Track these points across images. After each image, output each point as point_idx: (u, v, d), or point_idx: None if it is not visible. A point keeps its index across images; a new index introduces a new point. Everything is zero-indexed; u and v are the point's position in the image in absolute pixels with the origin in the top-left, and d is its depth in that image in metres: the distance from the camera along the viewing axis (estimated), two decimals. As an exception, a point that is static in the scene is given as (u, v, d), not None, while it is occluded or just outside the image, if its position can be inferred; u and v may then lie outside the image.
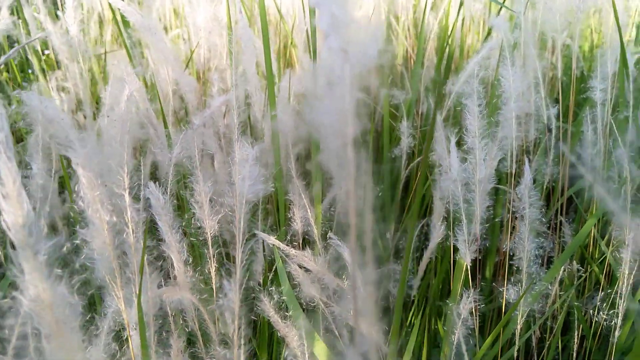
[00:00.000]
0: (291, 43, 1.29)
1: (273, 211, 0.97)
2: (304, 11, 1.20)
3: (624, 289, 0.70)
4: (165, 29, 1.90)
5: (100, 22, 1.99)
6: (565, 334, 1.00)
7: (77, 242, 0.42)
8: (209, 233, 0.58)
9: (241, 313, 0.51)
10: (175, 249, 0.60)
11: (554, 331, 0.90)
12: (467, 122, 0.67)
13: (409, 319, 1.05)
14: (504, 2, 1.08)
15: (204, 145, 0.95)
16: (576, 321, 0.91)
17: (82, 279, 0.43)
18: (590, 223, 0.75)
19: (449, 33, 1.10)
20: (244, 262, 0.51)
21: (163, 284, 0.57)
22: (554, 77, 1.29)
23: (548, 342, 0.91)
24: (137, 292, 0.41)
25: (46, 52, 2.06)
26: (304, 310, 0.62)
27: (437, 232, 0.92)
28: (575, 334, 0.91)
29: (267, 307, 0.54)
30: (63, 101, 1.38)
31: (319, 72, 0.26)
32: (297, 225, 0.76)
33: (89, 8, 1.97)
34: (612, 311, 0.74)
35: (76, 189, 0.41)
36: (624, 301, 0.71)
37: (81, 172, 0.41)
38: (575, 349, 0.91)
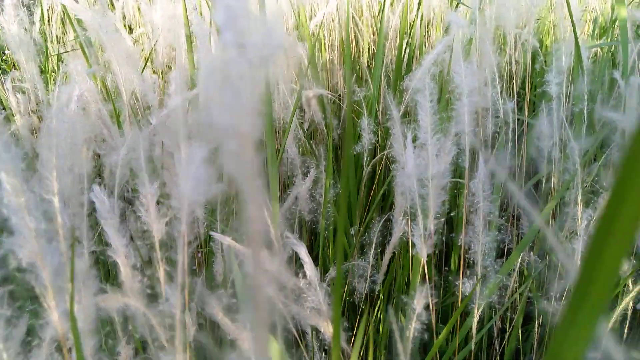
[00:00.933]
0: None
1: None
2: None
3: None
4: (130, 27, 1.86)
5: (63, 22, 1.93)
6: (529, 324, 1.01)
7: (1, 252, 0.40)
8: (156, 237, 0.56)
9: (183, 317, 0.50)
10: (122, 254, 0.58)
11: (513, 322, 0.91)
12: (419, 117, 0.67)
13: (376, 314, 1.06)
14: (462, -3, 1.09)
15: (164, 146, 0.93)
16: (536, 311, 0.92)
17: (9, 290, 0.41)
18: (544, 214, 0.76)
19: (407, 29, 1.10)
20: (186, 265, 0.50)
21: (109, 290, 0.55)
22: (515, 72, 1.31)
23: (508, 333, 0.93)
24: (69, 301, 0.40)
25: (7, 52, 1.99)
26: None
27: (399, 227, 0.92)
28: (536, 323, 0.93)
29: (216, 310, 0.53)
30: (19, 102, 1.33)
31: (215, 68, 0.25)
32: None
33: (49, 7, 1.91)
34: (564, 301, 0.75)
35: None
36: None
37: (4, 178, 0.39)
38: (536, 338, 0.93)
